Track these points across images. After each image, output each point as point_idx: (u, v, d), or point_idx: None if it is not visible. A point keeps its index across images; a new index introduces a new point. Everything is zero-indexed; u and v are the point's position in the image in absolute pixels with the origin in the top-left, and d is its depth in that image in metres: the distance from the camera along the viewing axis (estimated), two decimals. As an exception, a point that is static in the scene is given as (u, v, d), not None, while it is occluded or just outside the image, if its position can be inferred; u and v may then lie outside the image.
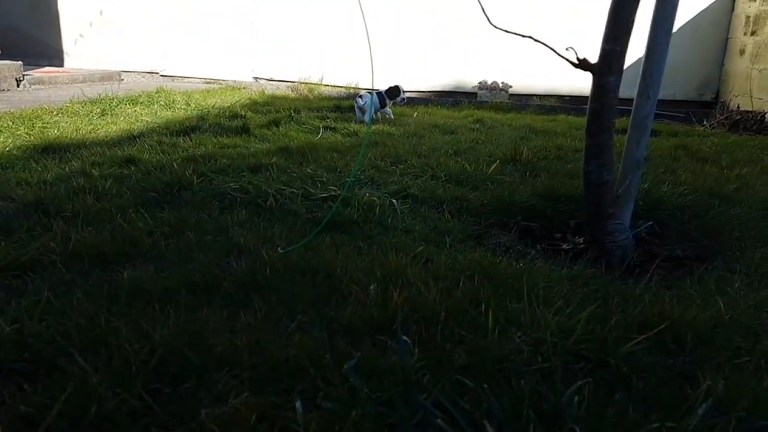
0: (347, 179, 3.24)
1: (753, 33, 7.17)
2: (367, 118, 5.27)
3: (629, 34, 2.35)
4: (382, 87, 8.41)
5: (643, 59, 2.48)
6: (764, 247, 2.53)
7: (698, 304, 1.84)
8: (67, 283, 1.89)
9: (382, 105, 5.59)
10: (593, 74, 2.39)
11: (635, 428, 1.23)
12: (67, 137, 4.00)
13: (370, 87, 7.56)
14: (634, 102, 2.52)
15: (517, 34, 2.54)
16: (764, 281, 2.16)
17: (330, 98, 6.87)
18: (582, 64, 2.40)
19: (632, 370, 1.48)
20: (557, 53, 2.41)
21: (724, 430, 1.25)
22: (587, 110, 2.44)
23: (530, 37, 2.52)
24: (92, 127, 4.42)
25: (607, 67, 2.36)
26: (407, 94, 8.17)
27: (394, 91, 5.67)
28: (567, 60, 2.39)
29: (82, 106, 5.12)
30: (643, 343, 1.58)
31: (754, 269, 2.28)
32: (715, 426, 1.26)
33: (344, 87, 8.14)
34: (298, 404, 1.32)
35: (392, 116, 5.66)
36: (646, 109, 2.52)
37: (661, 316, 1.70)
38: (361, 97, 5.47)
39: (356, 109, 5.50)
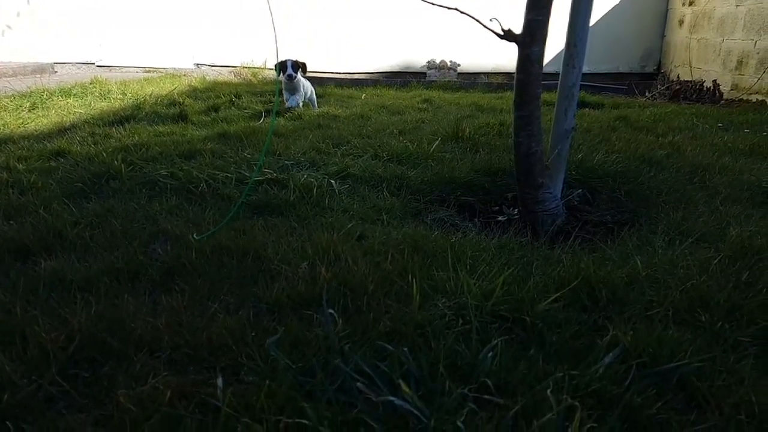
0: (286, 162, 3.21)
1: (691, 3, 7.38)
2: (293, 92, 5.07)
3: (551, 3, 2.39)
4: (351, 68, 8.26)
5: (567, 28, 2.52)
6: (687, 207, 2.65)
7: (615, 262, 1.92)
8: (-17, 279, 1.83)
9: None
10: (518, 45, 2.42)
11: (543, 377, 1.28)
12: (-8, 133, 3.83)
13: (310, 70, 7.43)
14: (561, 72, 2.58)
15: (442, 6, 2.56)
16: (683, 238, 2.27)
17: (274, 82, 6.76)
18: (507, 35, 2.43)
19: (547, 326, 1.53)
20: (483, 25, 2.43)
21: (625, 376, 1.31)
22: (514, 83, 2.47)
23: (456, 9, 2.54)
24: (21, 121, 4.23)
25: (530, 37, 2.39)
26: (358, 76, 8.13)
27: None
28: (492, 31, 2.42)
29: (11, 101, 4.89)
30: (559, 301, 1.64)
31: (675, 228, 2.38)
32: (618, 371, 1.33)
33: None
34: (219, 380, 1.32)
35: (313, 107, 5.21)
36: (572, 79, 2.57)
37: (578, 275, 1.76)
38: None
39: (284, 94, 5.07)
